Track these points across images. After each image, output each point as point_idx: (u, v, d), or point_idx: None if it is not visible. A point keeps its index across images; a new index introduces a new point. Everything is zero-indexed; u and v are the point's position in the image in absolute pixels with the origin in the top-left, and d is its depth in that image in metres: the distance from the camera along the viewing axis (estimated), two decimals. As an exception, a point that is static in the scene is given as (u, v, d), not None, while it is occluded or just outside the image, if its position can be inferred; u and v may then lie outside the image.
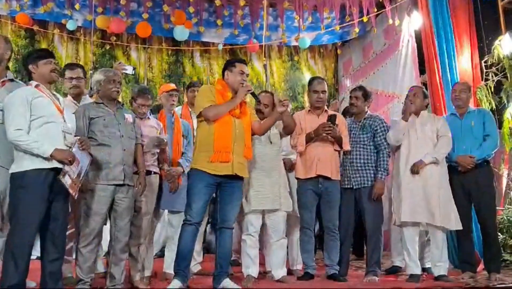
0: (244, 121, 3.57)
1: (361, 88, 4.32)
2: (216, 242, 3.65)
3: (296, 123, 3.98)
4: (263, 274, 4.08)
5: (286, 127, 3.87)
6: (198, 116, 3.59)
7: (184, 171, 4.00)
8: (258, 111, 3.96)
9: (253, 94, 3.67)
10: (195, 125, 4.20)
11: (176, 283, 3.38)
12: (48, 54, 3.21)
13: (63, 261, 3.15)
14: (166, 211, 4.22)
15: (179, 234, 3.54)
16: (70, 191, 2.95)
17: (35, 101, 2.97)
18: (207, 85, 4.09)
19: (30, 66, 3.10)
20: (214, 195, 3.62)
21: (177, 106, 4.55)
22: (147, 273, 3.85)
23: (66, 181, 2.93)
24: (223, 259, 3.56)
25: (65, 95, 4.01)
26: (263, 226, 3.96)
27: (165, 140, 3.90)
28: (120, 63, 4.35)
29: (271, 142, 3.94)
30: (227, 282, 3.47)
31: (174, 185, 3.92)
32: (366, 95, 4.21)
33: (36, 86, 3.07)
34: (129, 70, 4.17)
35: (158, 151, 3.86)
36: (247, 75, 3.67)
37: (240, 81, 3.57)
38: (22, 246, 2.85)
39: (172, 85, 4.39)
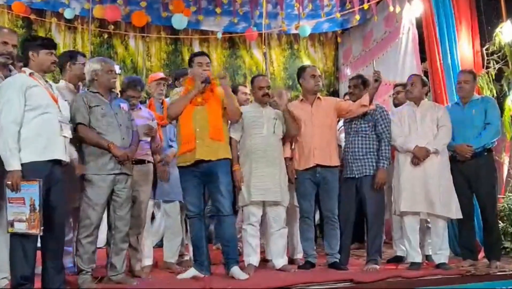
0: (209, 106, 3.64)
1: (359, 76, 4.31)
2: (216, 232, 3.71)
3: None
4: (264, 262, 4.09)
5: (288, 131, 3.96)
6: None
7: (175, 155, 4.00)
8: (266, 95, 3.98)
9: (208, 82, 3.70)
10: None
11: (191, 270, 3.55)
12: (51, 44, 3.15)
13: (63, 251, 3.15)
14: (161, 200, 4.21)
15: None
16: (30, 232, 2.79)
17: (30, 91, 2.90)
18: (176, 88, 4.18)
19: (30, 53, 3.01)
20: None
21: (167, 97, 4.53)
22: (148, 262, 3.86)
23: (20, 228, 2.79)
24: (227, 246, 3.60)
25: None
26: (264, 215, 3.96)
27: (155, 128, 3.88)
28: None
29: (274, 132, 3.93)
30: (235, 270, 3.50)
31: (164, 174, 3.91)
32: (364, 83, 4.18)
33: (30, 74, 2.99)
34: (116, 69, 4.16)
35: (149, 139, 3.83)
36: (208, 64, 3.73)
37: (199, 73, 3.65)
38: (28, 238, 2.84)
39: (161, 74, 4.37)
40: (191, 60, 3.79)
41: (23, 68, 3.05)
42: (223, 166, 3.62)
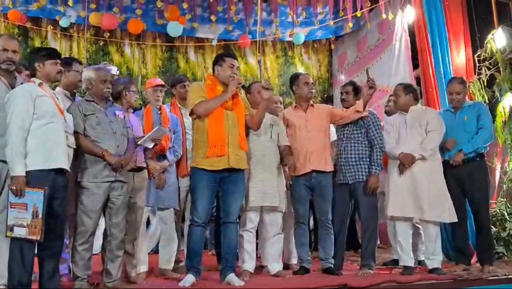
0: (237, 113, 3.61)
1: (351, 83, 4.36)
2: (220, 237, 3.70)
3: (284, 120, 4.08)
4: (260, 268, 4.11)
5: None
6: (191, 114, 3.64)
7: (170, 165, 4.00)
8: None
9: (243, 87, 3.68)
10: (185, 121, 4.21)
11: (190, 277, 3.44)
12: (56, 54, 3.21)
13: (60, 257, 3.17)
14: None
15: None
16: (30, 238, 2.81)
17: (39, 100, 2.97)
18: (197, 82, 4.10)
19: (36, 64, 3.09)
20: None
21: (166, 103, 4.53)
22: (143, 268, 3.86)
23: (20, 233, 2.81)
24: (228, 253, 3.58)
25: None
26: (260, 221, 3.97)
27: (166, 133, 3.88)
28: (105, 63, 4.36)
29: (271, 138, 3.96)
30: (231, 277, 3.49)
31: (160, 181, 3.90)
32: (356, 90, 4.22)
33: (40, 84, 3.06)
34: (114, 71, 4.18)
35: (151, 146, 3.80)
36: (238, 68, 3.70)
37: (231, 75, 3.60)
38: (28, 244, 2.86)
39: (159, 81, 4.35)
40: (221, 60, 3.68)
41: (32, 79, 3.11)
42: (243, 176, 3.64)
